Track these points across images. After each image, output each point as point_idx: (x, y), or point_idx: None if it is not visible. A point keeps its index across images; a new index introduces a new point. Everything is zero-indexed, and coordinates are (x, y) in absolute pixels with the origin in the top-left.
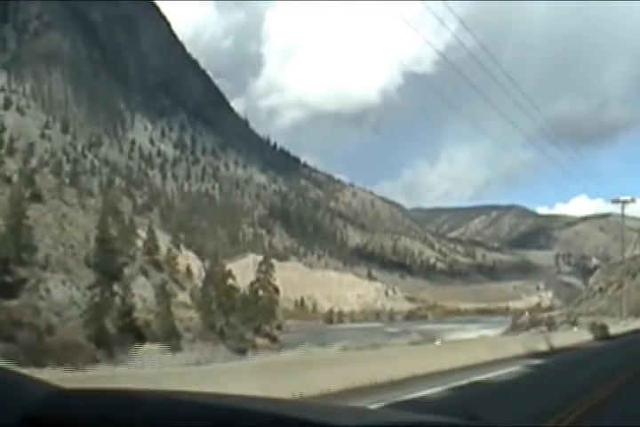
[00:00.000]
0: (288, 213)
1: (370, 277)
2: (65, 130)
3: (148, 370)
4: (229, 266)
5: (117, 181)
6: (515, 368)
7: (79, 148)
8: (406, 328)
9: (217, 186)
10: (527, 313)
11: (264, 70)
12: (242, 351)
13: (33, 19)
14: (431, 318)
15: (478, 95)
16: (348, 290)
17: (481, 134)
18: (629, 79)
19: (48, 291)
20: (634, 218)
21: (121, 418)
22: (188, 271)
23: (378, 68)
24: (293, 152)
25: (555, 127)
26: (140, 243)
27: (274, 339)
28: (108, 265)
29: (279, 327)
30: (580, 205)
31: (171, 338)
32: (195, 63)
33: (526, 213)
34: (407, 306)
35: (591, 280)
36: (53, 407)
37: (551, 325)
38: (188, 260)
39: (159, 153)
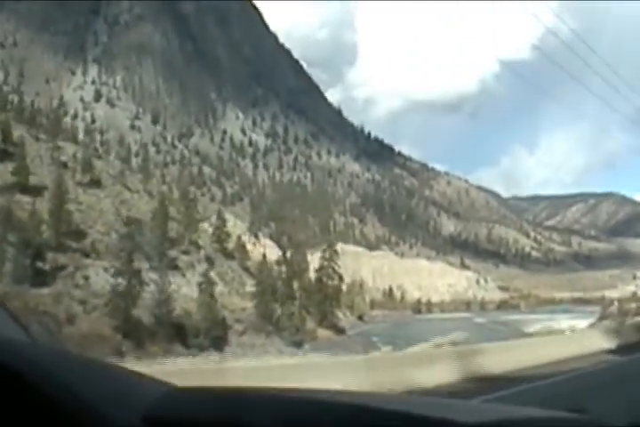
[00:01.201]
0: (381, 202)
1: (463, 265)
2: (155, 121)
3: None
4: (315, 255)
5: (208, 171)
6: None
7: (169, 138)
8: (495, 318)
9: (309, 175)
10: (616, 303)
11: (360, 60)
12: (298, 344)
13: (124, 11)
14: (524, 307)
15: (575, 81)
16: (439, 279)
17: (579, 120)
18: None
19: (87, 278)
20: None
21: (240, 418)
22: (264, 260)
23: (474, 57)
24: (389, 141)
25: None
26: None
27: (340, 331)
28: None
29: (360, 318)
30: None
31: (216, 330)
32: (288, 53)
33: (625, 201)
34: (499, 295)
35: None
36: (174, 407)
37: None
38: (266, 248)
39: (250, 143)
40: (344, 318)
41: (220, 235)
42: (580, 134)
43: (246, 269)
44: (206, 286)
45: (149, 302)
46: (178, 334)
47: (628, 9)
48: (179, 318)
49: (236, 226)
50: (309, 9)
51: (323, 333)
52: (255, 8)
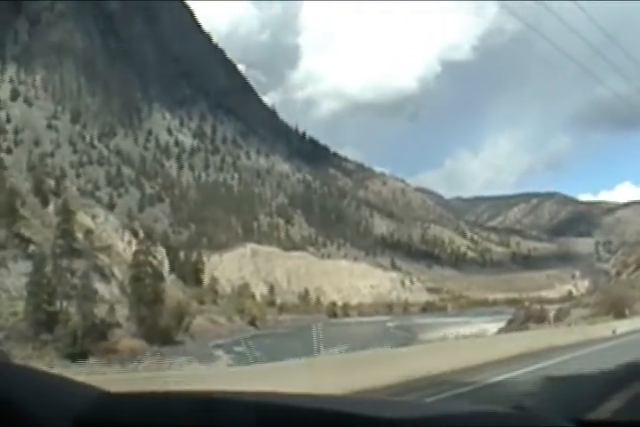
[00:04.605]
0: (310, 203)
1: (393, 266)
2: (75, 120)
3: None
4: (225, 256)
5: (128, 171)
6: None
7: (88, 138)
8: (407, 322)
9: (236, 175)
10: (527, 304)
11: (301, 62)
12: (76, 357)
13: (46, 10)
14: (451, 309)
15: (517, 81)
16: (361, 280)
17: (522, 121)
18: None
19: None
20: None
21: (170, 421)
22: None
23: (414, 57)
24: (331, 143)
25: (598, 111)
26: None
27: (167, 340)
28: None
29: (252, 323)
30: (624, 192)
31: None
32: (221, 52)
33: (567, 200)
34: (426, 297)
35: (611, 262)
36: (104, 410)
37: (541, 319)
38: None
39: (177, 143)
40: (227, 323)
41: (67, 230)
42: (524, 135)
43: (100, 271)
44: None
45: None
46: None
47: (567, 8)
48: None
49: (107, 222)
50: (250, 11)
51: (129, 343)
52: (186, 7)
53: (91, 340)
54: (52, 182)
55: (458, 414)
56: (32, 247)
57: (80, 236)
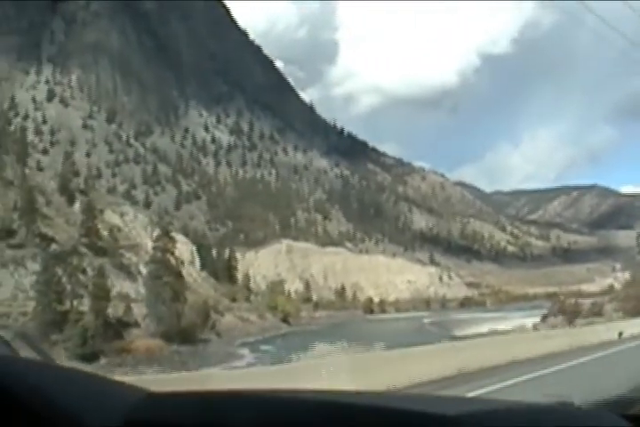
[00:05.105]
0: (348, 198)
1: (432, 261)
2: (110, 120)
3: None
4: (261, 252)
5: (164, 169)
6: None
7: (124, 137)
8: (444, 318)
9: (273, 171)
10: (562, 298)
11: (339, 58)
12: (89, 358)
13: (81, 9)
14: (490, 304)
15: (557, 73)
16: (398, 276)
17: (563, 114)
18: None
19: None
20: None
21: (220, 420)
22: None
23: (453, 51)
24: (370, 139)
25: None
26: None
27: (188, 340)
28: None
29: (285, 320)
30: None
31: None
32: (258, 49)
33: (608, 193)
34: (465, 292)
35: None
36: (154, 411)
37: (574, 315)
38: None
39: (213, 140)
40: (258, 320)
41: (91, 228)
42: (564, 128)
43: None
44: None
45: None
46: None
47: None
48: None
49: (136, 220)
50: (288, 8)
51: (146, 343)
52: (222, 4)
53: (103, 340)
54: (79, 181)
55: (512, 410)
56: (54, 246)
57: (105, 234)
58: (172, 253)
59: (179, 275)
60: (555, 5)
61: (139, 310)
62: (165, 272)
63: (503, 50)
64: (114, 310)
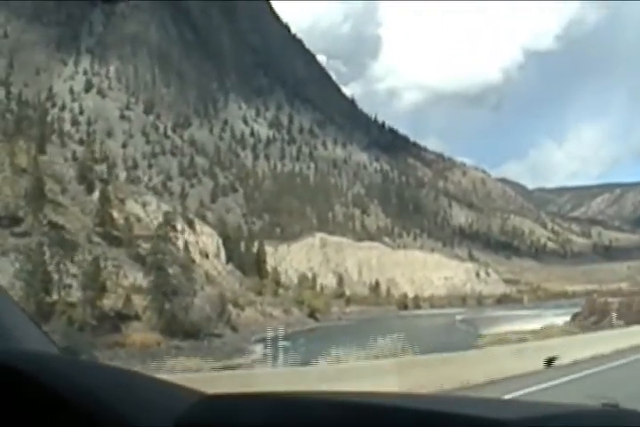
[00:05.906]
0: (387, 193)
1: (470, 257)
2: (148, 111)
3: None
4: (293, 246)
5: (201, 161)
6: None
7: (162, 129)
8: (477, 315)
9: (312, 165)
10: (594, 297)
11: (382, 53)
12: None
13: (121, 1)
14: (527, 301)
15: (602, 70)
16: (434, 272)
17: (608, 111)
18: None
19: None
20: None
21: (277, 423)
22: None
23: (497, 47)
24: (414, 134)
25: None
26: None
27: (189, 334)
28: None
29: (312, 315)
30: None
31: None
32: (299, 43)
33: None
34: (502, 289)
35: None
36: (206, 413)
37: (604, 314)
38: (200, 237)
39: (252, 133)
40: (282, 315)
41: (104, 218)
42: (609, 125)
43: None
44: None
45: None
46: None
47: None
48: None
49: (158, 211)
50: (332, 4)
51: (142, 337)
52: (265, 0)
53: (95, 333)
54: (102, 169)
55: (559, 414)
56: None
57: (122, 223)
58: (174, 244)
59: (186, 266)
60: (599, 4)
61: (141, 303)
62: (170, 263)
63: (548, 47)
64: (113, 302)
